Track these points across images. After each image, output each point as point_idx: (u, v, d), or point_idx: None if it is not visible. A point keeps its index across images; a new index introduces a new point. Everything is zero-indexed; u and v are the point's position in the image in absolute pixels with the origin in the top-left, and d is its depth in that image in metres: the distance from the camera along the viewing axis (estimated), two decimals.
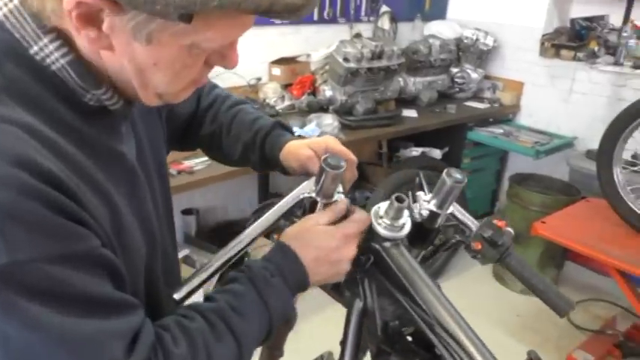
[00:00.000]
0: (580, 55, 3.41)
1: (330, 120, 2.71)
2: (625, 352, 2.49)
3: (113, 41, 0.58)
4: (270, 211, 0.81)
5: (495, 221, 0.92)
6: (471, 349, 0.68)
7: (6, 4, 0.59)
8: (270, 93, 3.05)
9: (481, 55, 3.72)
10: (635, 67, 3.19)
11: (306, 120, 2.77)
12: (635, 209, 2.40)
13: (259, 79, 3.05)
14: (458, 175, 0.82)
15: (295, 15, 0.59)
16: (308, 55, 3.23)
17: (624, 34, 3.28)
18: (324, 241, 0.75)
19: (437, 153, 3.42)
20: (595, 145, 3.38)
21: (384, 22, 3.62)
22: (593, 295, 3.00)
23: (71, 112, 0.62)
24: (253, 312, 0.70)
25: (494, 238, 0.85)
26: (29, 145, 0.55)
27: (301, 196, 0.82)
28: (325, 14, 3.31)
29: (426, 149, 3.43)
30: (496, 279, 3.20)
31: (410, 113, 3.24)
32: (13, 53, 0.58)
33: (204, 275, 0.76)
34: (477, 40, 3.64)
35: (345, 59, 2.88)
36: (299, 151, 0.91)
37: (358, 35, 3.11)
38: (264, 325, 0.71)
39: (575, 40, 3.51)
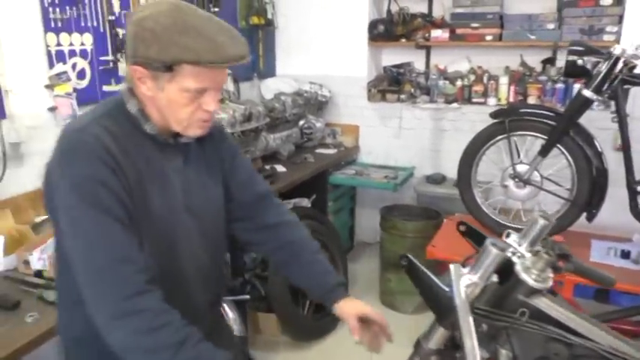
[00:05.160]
0: (402, 97, 3.98)
1: None
2: None
3: (151, 91, 1.09)
4: None
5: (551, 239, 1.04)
6: None
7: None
8: None
9: (321, 106, 4.04)
10: (447, 102, 3.86)
11: None
12: (497, 219, 2.90)
13: None
14: (548, 217, 0.96)
15: (240, 61, 1.06)
16: None
17: (433, 77, 3.94)
18: None
19: (306, 202, 3.58)
20: (428, 170, 3.98)
21: (229, 84, 3.68)
22: None
23: (140, 135, 1.13)
24: None
25: (566, 251, 0.97)
26: (100, 132, 1.06)
27: None
28: None
29: (296, 200, 3.56)
30: (385, 305, 3.45)
31: (279, 168, 3.34)
32: (121, 105, 1.14)
33: None
34: (316, 92, 3.95)
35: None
36: (356, 308, 1.30)
37: (223, 100, 3.11)
38: None
39: (393, 84, 4.08)
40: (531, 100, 3.60)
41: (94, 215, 1.00)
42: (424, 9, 3.97)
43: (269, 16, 4.00)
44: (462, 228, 1.07)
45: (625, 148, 2.57)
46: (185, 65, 1.03)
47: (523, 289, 0.90)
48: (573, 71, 2.55)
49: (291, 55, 4.24)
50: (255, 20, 3.84)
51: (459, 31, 3.68)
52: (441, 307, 0.91)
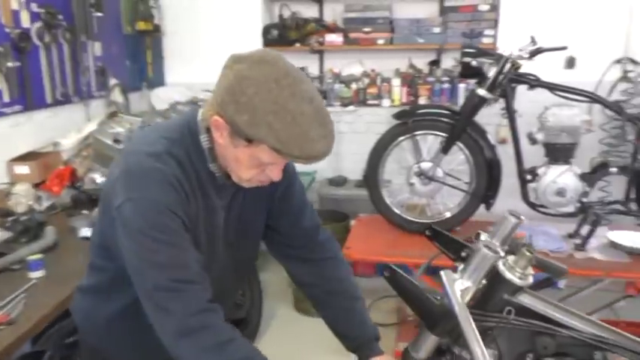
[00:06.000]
0: None
1: None
2: None
3: (224, 142, 1.06)
4: None
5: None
6: (624, 340, 0.88)
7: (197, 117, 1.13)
8: (23, 197, 2.52)
9: None
10: (344, 105, 3.94)
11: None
12: (405, 216, 3.00)
13: (13, 183, 2.48)
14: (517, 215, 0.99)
15: (321, 159, 1.03)
16: (55, 144, 2.79)
17: (328, 81, 4.00)
18: None
19: None
20: (330, 173, 4.03)
21: (116, 95, 3.42)
22: (377, 296, 3.54)
23: (204, 170, 1.13)
24: None
25: (532, 247, 1.00)
26: (172, 162, 1.08)
27: None
28: (59, 95, 2.92)
29: None
30: (301, 312, 3.42)
31: None
32: (195, 136, 1.12)
33: None
34: None
35: (116, 140, 2.63)
36: None
37: (114, 113, 2.86)
38: None
39: None
40: (422, 100, 3.80)
41: (161, 239, 1.03)
42: (315, 14, 4.01)
43: (156, 21, 3.78)
44: (429, 232, 1.07)
45: (515, 140, 2.80)
46: (266, 146, 1.00)
47: (507, 288, 0.91)
48: (468, 72, 2.73)
49: (182, 63, 4.05)
50: (141, 26, 3.60)
51: (352, 35, 3.78)
52: (433, 316, 0.90)
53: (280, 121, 0.97)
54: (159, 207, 1.03)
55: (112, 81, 3.38)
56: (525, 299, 0.92)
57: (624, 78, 3.43)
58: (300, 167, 4.10)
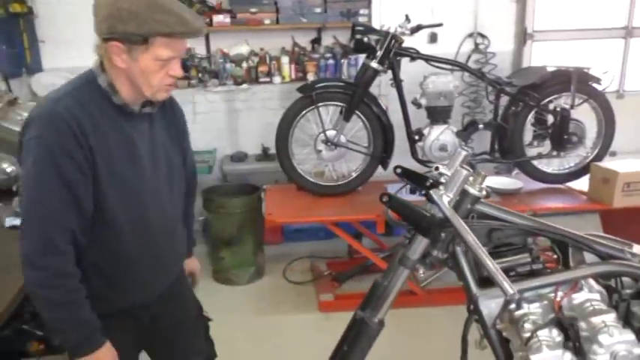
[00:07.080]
0: (192, 82, 4.04)
1: None
2: (341, 279, 3.42)
3: (126, 63, 1.27)
4: None
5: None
6: (559, 227, 1.27)
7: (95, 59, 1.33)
8: None
9: None
10: (237, 84, 4.09)
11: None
12: (315, 181, 3.31)
13: None
14: (466, 148, 1.34)
15: (201, 33, 1.30)
16: None
17: (220, 61, 4.11)
18: None
19: None
20: (228, 150, 4.19)
21: None
22: (289, 259, 3.82)
23: (108, 105, 1.32)
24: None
25: None
26: (73, 103, 1.25)
27: None
28: None
29: None
30: (220, 282, 3.57)
31: None
32: (93, 81, 1.32)
33: None
34: None
35: None
36: (191, 266, 1.80)
37: (13, 101, 2.71)
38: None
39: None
40: (310, 76, 4.09)
41: (46, 176, 1.22)
42: None
43: (29, 3, 3.55)
44: (398, 170, 1.36)
45: (403, 106, 3.24)
46: (159, 37, 1.25)
47: (470, 200, 1.25)
48: (360, 47, 3.08)
49: (60, 47, 3.85)
50: (16, 8, 3.37)
51: (239, 16, 3.92)
52: (426, 224, 1.20)
53: (160, 13, 1.22)
54: (52, 146, 1.21)
55: None
56: (483, 207, 1.26)
57: (476, 49, 4.07)
58: (197, 146, 4.18)
